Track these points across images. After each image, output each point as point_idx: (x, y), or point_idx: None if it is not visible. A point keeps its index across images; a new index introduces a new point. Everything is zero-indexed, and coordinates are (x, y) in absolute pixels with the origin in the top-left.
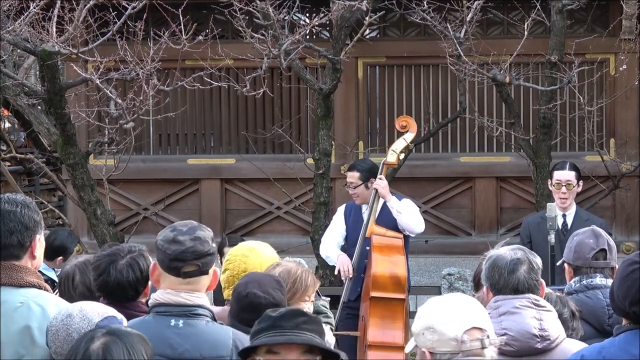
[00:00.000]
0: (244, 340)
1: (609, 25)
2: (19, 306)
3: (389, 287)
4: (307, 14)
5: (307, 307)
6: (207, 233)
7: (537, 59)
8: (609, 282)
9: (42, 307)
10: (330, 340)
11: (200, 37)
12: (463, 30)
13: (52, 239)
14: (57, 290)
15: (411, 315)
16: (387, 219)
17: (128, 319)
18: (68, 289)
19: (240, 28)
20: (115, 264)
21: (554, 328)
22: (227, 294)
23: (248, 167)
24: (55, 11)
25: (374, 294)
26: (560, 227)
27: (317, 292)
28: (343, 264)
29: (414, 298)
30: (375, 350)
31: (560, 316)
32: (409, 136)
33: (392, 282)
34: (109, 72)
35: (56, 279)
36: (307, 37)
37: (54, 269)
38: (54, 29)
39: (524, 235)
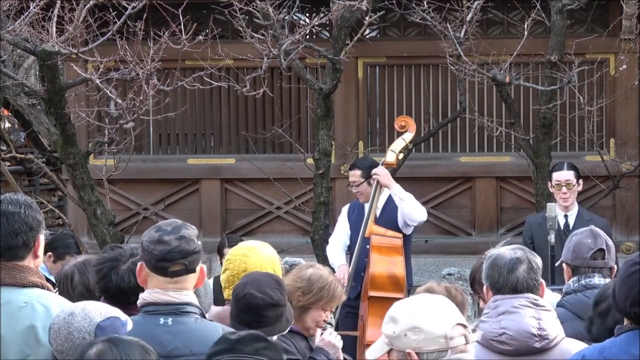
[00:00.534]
0: None
1: (609, 25)
2: (23, 306)
3: (387, 286)
4: (307, 14)
5: (325, 316)
6: (192, 231)
7: (537, 59)
8: (607, 282)
9: (45, 307)
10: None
11: (200, 37)
12: (463, 30)
13: (52, 239)
14: (56, 289)
15: None
16: (387, 219)
17: None
18: (67, 289)
19: (240, 28)
20: (117, 269)
21: (553, 327)
22: (227, 294)
23: (248, 167)
24: (55, 11)
25: (372, 293)
26: (562, 227)
27: None
28: (340, 272)
29: None
30: None
31: None
32: (408, 136)
33: (391, 281)
34: (109, 72)
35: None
36: (307, 37)
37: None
38: (54, 29)
39: (526, 236)
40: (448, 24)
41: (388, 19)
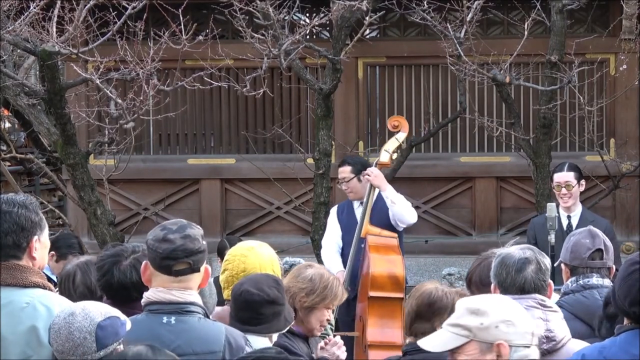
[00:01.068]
0: (237, 336)
1: (609, 25)
2: (25, 306)
3: (388, 286)
4: (307, 14)
5: (328, 315)
6: (196, 231)
7: (537, 59)
8: (606, 282)
9: (47, 307)
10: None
11: (200, 37)
12: (463, 30)
13: (56, 238)
14: (57, 289)
15: None
16: (380, 218)
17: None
18: (68, 289)
19: (240, 28)
20: (119, 265)
21: (560, 329)
22: (226, 294)
23: (248, 167)
24: (55, 11)
25: (372, 293)
26: (565, 228)
27: None
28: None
29: None
30: (375, 350)
31: None
32: (401, 136)
33: (391, 281)
34: (109, 72)
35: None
36: (307, 37)
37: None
38: (54, 29)
39: (530, 236)
40: (448, 24)
41: (388, 19)
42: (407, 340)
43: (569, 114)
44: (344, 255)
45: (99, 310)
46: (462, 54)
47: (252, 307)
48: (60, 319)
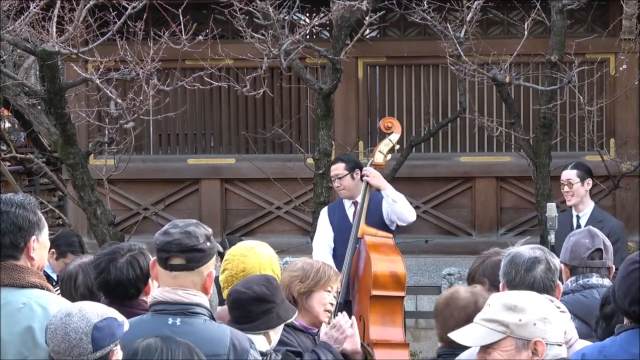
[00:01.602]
0: (242, 338)
1: (609, 25)
2: (21, 307)
3: (390, 285)
4: (307, 14)
5: (330, 299)
6: (200, 230)
7: (537, 59)
8: (605, 281)
9: (44, 308)
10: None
11: (200, 37)
12: (463, 30)
13: (57, 235)
14: (57, 288)
15: (408, 315)
16: (373, 216)
17: (129, 317)
18: (69, 289)
19: (240, 28)
20: (115, 262)
21: (568, 330)
22: (226, 294)
23: (248, 167)
24: (55, 11)
25: (375, 292)
26: (574, 228)
27: None
28: None
29: (414, 298)
30: (380, 348)
31: None
32: (395, 137)
33: (393, 280)
34: (109, 72)
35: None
36: (307, 37)
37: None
38: (54, 29)
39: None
40: (448, 24)
41: (388, 19)
42: (440, 345)
43: (569, 114)
44: (336, 256)
45: (96, 311)
46: (462, 54)
47: (240, 305)
48: (56, 320)
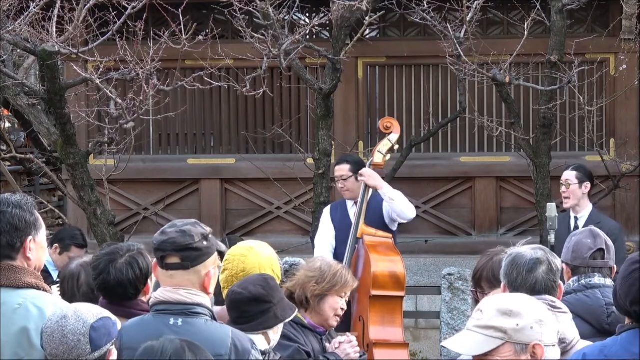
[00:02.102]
0: (243, 339)
1: (609, 25)
2: (17, 307)
3: (389, 285)
4: (307, 14)
5: (342, 304)
6: (197, 229)
7: (537, 59)
8: (608, 281)
9: (39, 309)
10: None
11: (200, 37)
12: (463, 30)
13: (60, 231)
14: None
15: (408, 315)
16: (374, 219)
17: (128, 317)
18: (72, 288)
19: (240, 28)
20: (115, 262)
21: (570, 331)
22: (226, 294)
23: (248, 167)
24: (55, 11)
25: (374, 292)
26: (572, 229)
27: None
28: None
29: (414, 298)
30: (380, 348)
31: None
32: (394, 137)
33: (392, 280)
34: (109, 72)
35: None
36: (307, 37)
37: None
38: (54, 29)
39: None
40: (448, 24)
41: (388, 19)
42: None
43: (569, 114)
44: (337, 255)
45: (91, 312)
46: (462, 54)
47: (236, 305)
48: (52, 323)
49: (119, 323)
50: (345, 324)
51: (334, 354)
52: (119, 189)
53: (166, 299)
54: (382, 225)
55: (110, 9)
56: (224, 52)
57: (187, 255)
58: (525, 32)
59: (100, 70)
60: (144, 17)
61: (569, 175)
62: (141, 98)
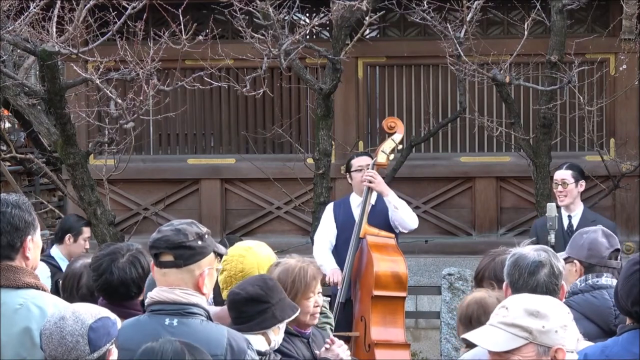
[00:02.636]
0: (239, 339)
1: (609, 25)
2: (18, 308)
3: (391, 285)
4: (307, 14)
5: (314, 301)
6: (192, 228)
7: (537, 59)
8: (615, 282)
9: (41, 309)
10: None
11: (200, 37)
12: (463, 30)
13: (60, 224)
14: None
15: (408, 315)
16: (379, 220)
17: (127, 317)
18: (71, 288)
19: (240, 28)
20: (117, 262)
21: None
22: (225, 295)
23: (248, 167)
24: (55, 11)
25: (376, 292)
26: (565, 228)
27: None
28: (333, 274)
29: (414, 298)
30: (381, 348)
31: None
32: (397, 137)
33: (394, 280)
34: (109, 72)
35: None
36: (307, 37)
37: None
38: (54, 29)
39: (531, 237)
40: (448, 24)
41: (388, 19)
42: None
43: (569, 114)
44: (337, 254)
45: (90, 312)
46: (462, 54)
47: (235, 306)
48: (50, 324)
49: (119, 322)
50: (347, 324)
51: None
52: (119, 189)
53: (161, 298)
54: (386, 227)
55: (110, 9)
56: (224, 52)
57: (180, 254)
58: (525, 32)
59: (100, 70)
60: (144, 17)
61: (565, 175)
62: (141, 98)
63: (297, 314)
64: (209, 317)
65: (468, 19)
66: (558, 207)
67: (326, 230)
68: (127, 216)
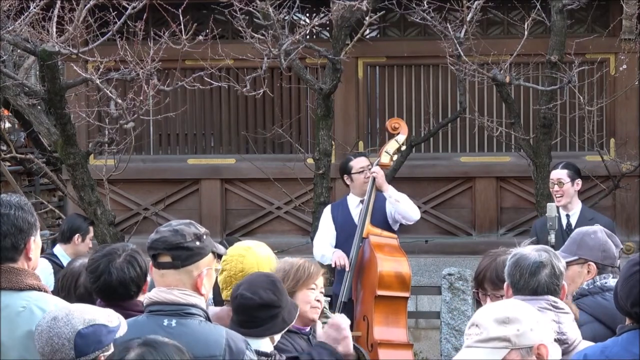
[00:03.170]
0: (237, 339)
1: (609, 25)
2: (21, 310)
3: (395, 285)
4: (307, 14)
5: (315, 295)
6: (190, 229)
7: (537, 59)
8: None
9: (43, 311)
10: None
11: (200, 37)
12: (463, 30)
13: (68, 224)
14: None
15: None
16: (377, 216)
17: (126, 318)
18: (69, 287)
19: (240, 28)
20: (114, 262)
21: (572, 331)
22: (225, 294)
23: (248, 167)
24: (55, 11)
25: (380, 292)
26: (564, 227)
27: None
28: (339, 258)
29: (414, 298)
30: (384, 348)
31: None
32: (401, 138)
33: (398, 280)
34: (109, 72)
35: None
36: (307, 37)
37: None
38: (54, 29)
39: (531, 237)
40: (448, 24)
41: (388, 19)
42: None
43: (569, 114)
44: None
45: (83, 317)
46: (462, 54)
47: (246, 310)
48: (43, 323)
49: (124, 326)
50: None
51: (318, 343)
52: (119, 189)
53: (160, 299)
54: (386, 226)
55: (110, 9)
56: (224, 52)
57: (178, 255)
58: (525, 32)
59: (100, 70)
60: (144, 17)
61: (561, 174)
62: (141, 98)
63: (298, 313)
64: (207, 318)
65: (468, 19)
66: (558, 208)
67: (325, 233)
68: (127, 216)
